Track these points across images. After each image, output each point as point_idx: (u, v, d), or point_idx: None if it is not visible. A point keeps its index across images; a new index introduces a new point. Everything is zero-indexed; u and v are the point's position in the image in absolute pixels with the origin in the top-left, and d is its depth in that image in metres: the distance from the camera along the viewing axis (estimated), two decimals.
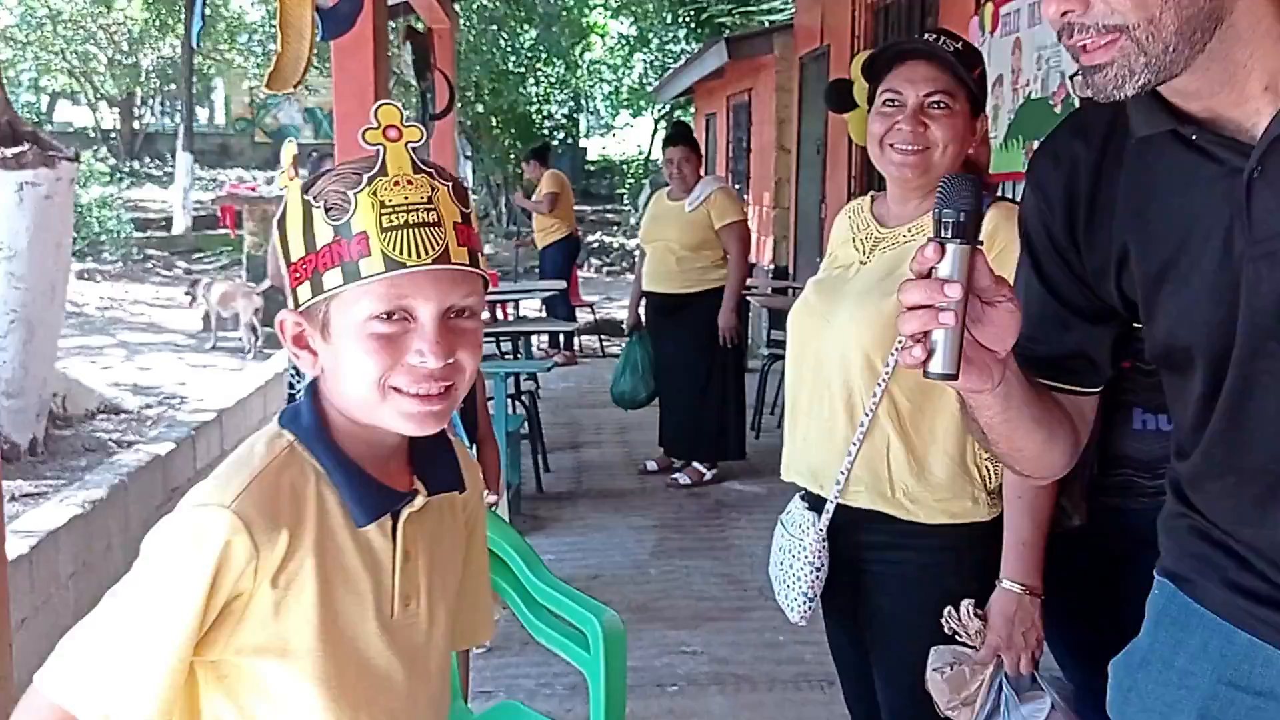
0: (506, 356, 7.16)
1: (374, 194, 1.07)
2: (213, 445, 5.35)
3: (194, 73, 19.70)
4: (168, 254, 15.29)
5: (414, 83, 7.89)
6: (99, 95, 24.04)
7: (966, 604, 1.79)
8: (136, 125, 24.81)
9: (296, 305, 1.13)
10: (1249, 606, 1.10)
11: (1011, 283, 1.09)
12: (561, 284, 8.87)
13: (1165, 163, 1.09)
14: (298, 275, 1.11)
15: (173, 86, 22.47)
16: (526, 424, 5.58)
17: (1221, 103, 1.04)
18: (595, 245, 17.64)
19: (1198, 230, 1.07)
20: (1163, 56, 0.99)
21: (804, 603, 1.90)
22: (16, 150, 5.15)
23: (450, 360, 1.10)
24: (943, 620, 1.80)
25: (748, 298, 6.17)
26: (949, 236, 0.99)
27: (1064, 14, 1.01)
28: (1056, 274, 1.21)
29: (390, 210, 1.07)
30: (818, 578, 1.89)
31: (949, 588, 1.81)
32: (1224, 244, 1.04)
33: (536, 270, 10.26)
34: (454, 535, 1.29)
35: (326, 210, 1.08)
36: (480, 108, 18.31)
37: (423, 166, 1.11)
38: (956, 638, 1.80)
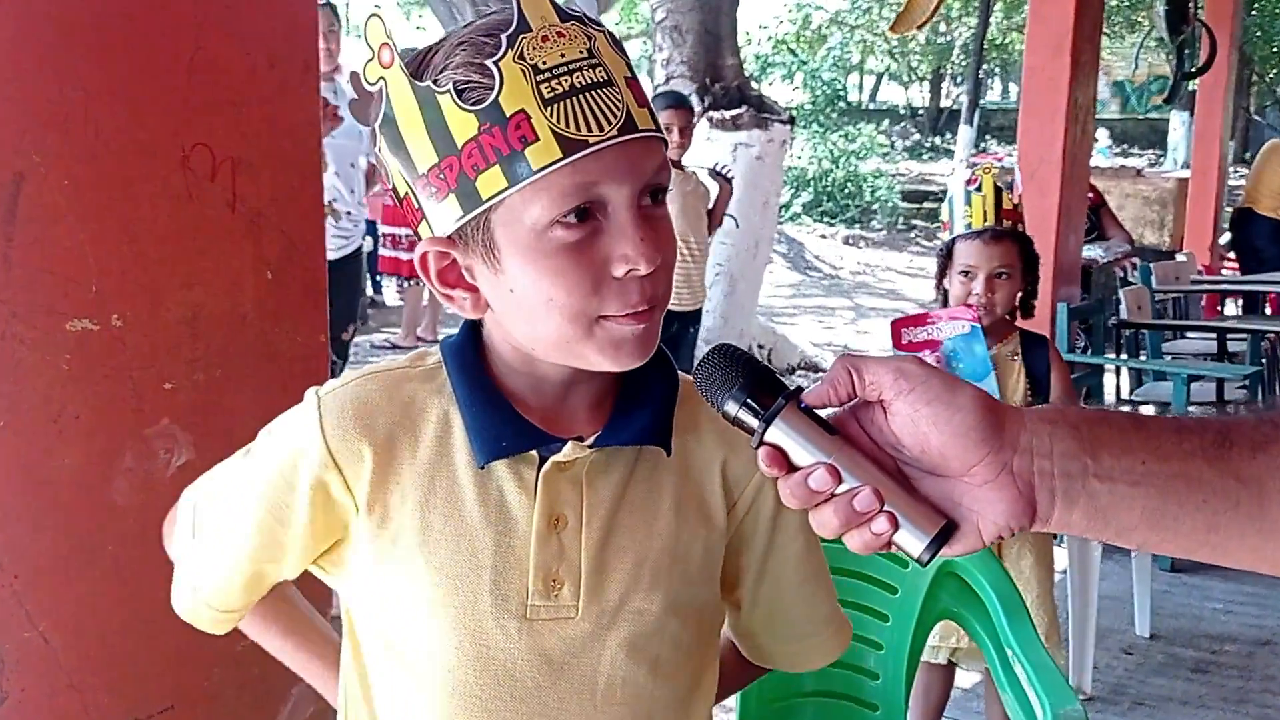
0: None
1: (521, 57, 0.80)
2: None
3: (984, 48, 19.79)
4: (932, 225, 15.61)
5: (1166, 36, 6.98)
6: (914, 75, 25.44)
7: None
8: (943, 102, 25.86)
9: (434, 232, 0.86)
10: None
11: None
12: None
13: None
14: (433, 190, 0.84)
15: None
16: None
17: None
18: None
19: None
20: None
21: None
22: (734, 113, 5.53)
23: (658, 263, 0.84)
24: None
25: None
26: (757, 430, 0.70)
27: None
28: None
29: (548, 75, 0.80)
30: None
31: None
32: None
33: None
34: (680, 518, 0.95)
35: (459, 93, 0.81)
36: None
37: (569, 12, 0.82)
38: None
